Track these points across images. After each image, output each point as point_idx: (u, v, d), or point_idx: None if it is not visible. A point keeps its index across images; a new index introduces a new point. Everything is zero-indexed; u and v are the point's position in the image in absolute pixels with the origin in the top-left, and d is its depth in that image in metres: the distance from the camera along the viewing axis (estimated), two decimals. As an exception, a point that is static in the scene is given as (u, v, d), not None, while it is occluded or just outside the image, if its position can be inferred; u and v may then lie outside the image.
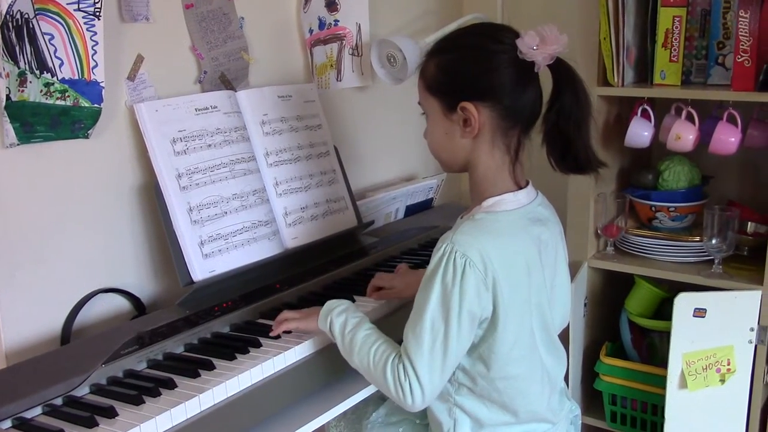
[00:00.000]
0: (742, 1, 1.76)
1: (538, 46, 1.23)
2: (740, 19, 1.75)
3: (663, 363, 1.96)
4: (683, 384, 1.86)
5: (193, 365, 1.30)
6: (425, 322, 1.23)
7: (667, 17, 1.94)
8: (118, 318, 1.58)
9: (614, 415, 2.12)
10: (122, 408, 1.17)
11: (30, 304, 1.43)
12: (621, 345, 2.15)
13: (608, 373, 2.08)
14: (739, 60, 1.78)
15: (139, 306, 1.60)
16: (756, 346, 1.84)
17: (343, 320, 1.34)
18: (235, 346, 1.37)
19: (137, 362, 1.32)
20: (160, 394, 1.21)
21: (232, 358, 1.33)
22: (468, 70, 1.29)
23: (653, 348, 2.13)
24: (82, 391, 1.23)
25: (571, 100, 1.28)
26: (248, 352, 1.36)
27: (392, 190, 2.18)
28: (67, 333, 1.48)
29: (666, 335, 2.04)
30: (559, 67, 1.28)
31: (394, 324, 1.44)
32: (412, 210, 2.29)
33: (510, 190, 1.32)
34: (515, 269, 1.27)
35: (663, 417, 1.92)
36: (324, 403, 1.38)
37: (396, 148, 2.38)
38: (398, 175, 2.40)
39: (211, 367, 1.30)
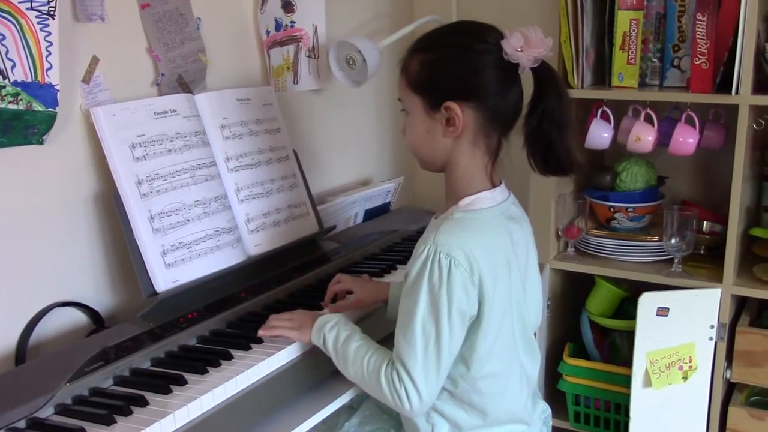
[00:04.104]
0: (699, 5, 1.79)
1: (522, 48, 1.23)
2: (698, 22, 1.78)
3: (625, 362, 1.98)
4: (648, 382, 1.88)
5: (164, 381, 1.23)
6: (416, 325, 1.22)
7: (624, 20, 1.96)
8: (76, 333, 1.50)
9: (578, 415, 2.13)
10: (92, 429, 1.11)
11: (-19, 320, 1.35)
12: (582, 345, 2.16)
13: (571, 373, 2.08)
14: (697, 62, 1.81)
15: (97, 320, 1.53)
16: (716, 343, 1.87)
17: (335, 334, 1.32)
18: (206, 359, 1.32)
19: (103, 379, 1.25)
20: (131, 412, 1.15)
21: (203, 371, 1.27)
22: (454, 69, 1.27)
23: (615, 347, 2.15)
24: (47, 412, 1.16)
25: (555, 102, 1.28)
26: (220, 365, 1.31)
27: (351, 195, 2.14)
28: (22, 350, 1.39)
29: (627, 334, 2.07)
30: (542, 69, 1.27)
31: (370, 325, 1.43)
32: (370, 214, 2.26)
33: (486, 189, 1.32)
34: (497, 265, 1.27)
35: (627, 416, 1.94)
36: (297, 416, 1.34)
37: (351, 152, 2.34)
38: (354, 179, 2.37)
39: (182, 382, 1.24)
